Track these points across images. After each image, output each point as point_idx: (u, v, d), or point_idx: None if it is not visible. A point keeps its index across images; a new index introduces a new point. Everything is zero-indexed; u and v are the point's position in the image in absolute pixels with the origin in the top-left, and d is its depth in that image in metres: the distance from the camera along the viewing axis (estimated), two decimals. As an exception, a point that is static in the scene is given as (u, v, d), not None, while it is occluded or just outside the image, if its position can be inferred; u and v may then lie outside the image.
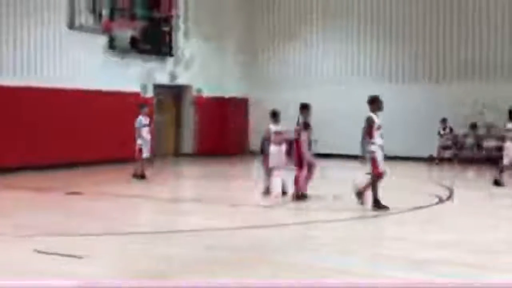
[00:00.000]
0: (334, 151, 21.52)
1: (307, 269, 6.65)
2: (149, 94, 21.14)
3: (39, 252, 7.28)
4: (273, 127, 12.23)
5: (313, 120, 11.83)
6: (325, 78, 23.47)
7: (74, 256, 7.05)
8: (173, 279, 6.25)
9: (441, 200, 11.87)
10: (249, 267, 6.76)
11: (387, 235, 8.80)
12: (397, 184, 12.93)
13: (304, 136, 11.52)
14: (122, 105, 19.08)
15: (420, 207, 10.88)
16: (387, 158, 10.81)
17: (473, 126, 20.19)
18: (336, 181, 15.21)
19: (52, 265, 6.80)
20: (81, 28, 18.57)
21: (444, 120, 20.16)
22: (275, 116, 12.25)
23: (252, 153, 23.92)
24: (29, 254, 7.25)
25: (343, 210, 10.57)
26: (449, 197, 12.38)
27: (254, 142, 24.11)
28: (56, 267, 6.71)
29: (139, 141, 15.19)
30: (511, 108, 14.05)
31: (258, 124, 24.10)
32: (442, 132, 20.23)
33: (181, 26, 22.47)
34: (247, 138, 24.68)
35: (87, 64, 18.98)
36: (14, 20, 17.14)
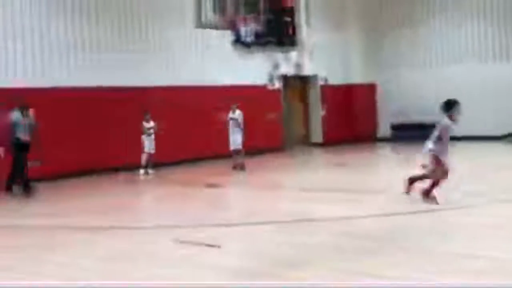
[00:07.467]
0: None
1: (441, 256, 6.52)
2: (276, 85, 21.42)
3: (181, 242, 7.60)
4: None
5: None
6: (449, 59, 22.64)
7: (214, 246, 7.34)
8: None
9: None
10: (384, 254, 6.71)
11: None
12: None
13: None
14: (250, 99, 19.35)
15: None
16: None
17: None
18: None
19: (193, 254, 7.11)
20: (207, 26, 19.12)
21: None
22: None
23: (382, 140, 23.58)
24: (171, 244, 7.60)
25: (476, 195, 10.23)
26: None
27: (383, 129, 23.82)
28: (196, 257, 7.01)
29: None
30: None
31: (386, 110, 23.78)
32: None
33: (303, 16, 22.52)
34: (376, 125, 24.33)
35: (214, 61, 19.46)
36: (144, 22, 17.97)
